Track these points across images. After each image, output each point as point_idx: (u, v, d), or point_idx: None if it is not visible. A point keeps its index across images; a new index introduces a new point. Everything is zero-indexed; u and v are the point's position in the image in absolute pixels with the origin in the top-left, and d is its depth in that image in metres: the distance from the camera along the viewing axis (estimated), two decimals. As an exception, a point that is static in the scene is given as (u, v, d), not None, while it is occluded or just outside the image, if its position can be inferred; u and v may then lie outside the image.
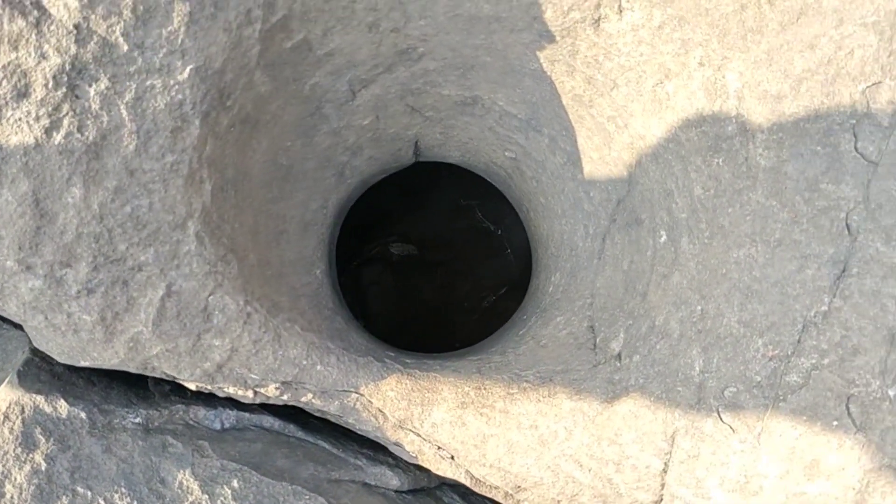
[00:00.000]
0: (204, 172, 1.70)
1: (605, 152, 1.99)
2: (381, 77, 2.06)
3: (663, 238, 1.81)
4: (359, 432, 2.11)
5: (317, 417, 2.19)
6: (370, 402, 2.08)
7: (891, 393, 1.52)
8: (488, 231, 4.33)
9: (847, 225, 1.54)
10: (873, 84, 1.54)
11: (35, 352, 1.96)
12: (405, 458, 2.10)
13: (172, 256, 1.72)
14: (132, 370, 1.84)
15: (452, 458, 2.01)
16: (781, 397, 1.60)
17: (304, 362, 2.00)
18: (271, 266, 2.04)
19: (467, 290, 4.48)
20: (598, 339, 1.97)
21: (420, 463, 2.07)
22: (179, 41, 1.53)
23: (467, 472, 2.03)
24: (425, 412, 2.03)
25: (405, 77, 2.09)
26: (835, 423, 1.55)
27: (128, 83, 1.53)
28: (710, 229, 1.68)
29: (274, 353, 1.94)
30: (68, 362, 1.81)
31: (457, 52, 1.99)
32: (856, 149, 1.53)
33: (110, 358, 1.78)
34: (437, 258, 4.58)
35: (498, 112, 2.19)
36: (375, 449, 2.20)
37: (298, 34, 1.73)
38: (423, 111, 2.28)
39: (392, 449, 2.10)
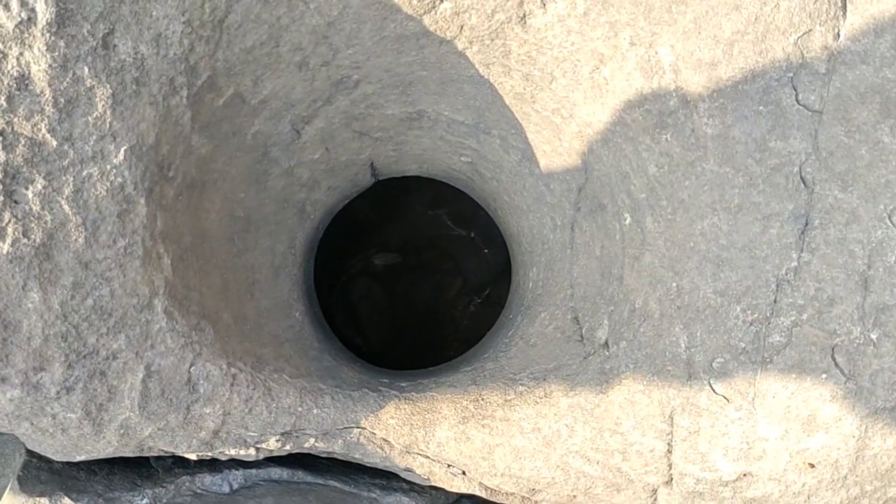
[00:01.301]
0: (160, 248, 1.68)
1: (556, 144, 1.98)
2: (321, 110, 2.04)
3: (628, 220, 1.81)
4: (368, 465, 2.12)
5: (324, 458, 2.19)
6: (373, 433, 2.07)
7: (873, 336, 1.53)
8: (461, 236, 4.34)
9: (802, 178, 1.54)
10: (804, 33, 1.53)
11: (31, 453, 1.95)
12: (418, 481, 2.10)
13: (145, 338, 1.70)
14: (129, 454, 1.83)
15: (464, 473, 2.02)
16: (768, 359, 1.61)
17: (300, 409, 2.00)
18: (248, 320, 2.03)
19: (459, 288, 4.49)
20: (584, 330, 1.98)
21: (433, 483, 2.08)
22: (108, 125, 1.50)
23: (480, 484, 2.03)
24: (429, 433, 2.03)
25: (346, 105, 2.07)
26: (823, 375, 1.56)
27: (64, 178, 1.50)
28: (671, 205, 1.68)
29: (267, 406, 1.93)
30: (64, 459, 1.80)
31: (392, 72, 1.97)
32: (797, 101, 1.53)
33: (104, 448, 1.76)
34: (422, 261, 4.58)
35: (445, 121, 2.18)
36: (388, 477, 2.21)
37: (228, 90, 1.70)
38: (372, 133, 2.26)
39: (403, 475, 2.10)
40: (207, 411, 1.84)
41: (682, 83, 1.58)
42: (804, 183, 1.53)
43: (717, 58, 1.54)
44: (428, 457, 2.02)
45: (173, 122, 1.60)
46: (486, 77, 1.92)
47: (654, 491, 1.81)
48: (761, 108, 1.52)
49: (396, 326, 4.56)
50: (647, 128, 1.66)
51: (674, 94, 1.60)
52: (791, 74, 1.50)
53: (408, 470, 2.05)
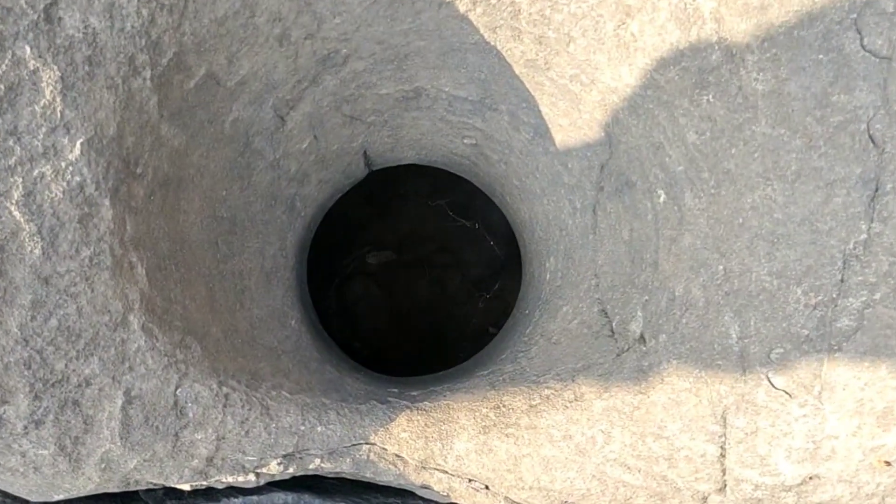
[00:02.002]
0: (132, 256, 1.45)
1: (574, 116, 1.77)
2: (307, 93, 1.81)
3: (662, 198, 1.60)
4: (380, 484, 1.91)
5: (332, 478, 1.98)
6: (384, 449, 1.87)
7: (959, 315, 1.34)
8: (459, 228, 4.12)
9: (870, 136, 1.33)
10: (861, -31, 1.32)
11: (6, 494, 1.73)
12: (436, 498, 1.89)
13: (122, 359, 1.48)
14: (114, 490, 1.62)
15: (487, 487, 1.81)
16: (836, 347, 1.41)
17: (302, 427, 1.79)
18: (240, 332, 1.81)
19: (458, 283, 4.27)
20: (614, 324, 1.77)
21: (453, 500, 1.87)
22: (59, 115, 1.28)
23: (506, 498, 1.83)
24: (446, 446, 1.82)
25: (334, 86, 1.84)
26: (904, 362, 1.36)
27: (12, 179, 1.28)
28: (714, 177, 1.47)
29: (266, 427, 1.72)
30: (41, 500, 1.59)
31: (385, 45, 1.75)
32: (863, 47, 1.32)
33: (84, 485, 1.55)
34: (418, 257, 4.36)
35: (446, 99, 1.96)
36: (403, 495, 2.00)
37: (199, 69, 1.48)
38: (364, 118, 2.04)
39: (420, 493, 1.89)
40: (199, 437, 1.63)
41: (726, 33, 1.37)
42: (873, 142, 1.33)
43: (766, 0, 1.33)
44: (446, 472, 1.81)
45: (137, 108, 1.37)
46: (492, 43, 1.70)
47: (705, 499, 1.61)
48: (821, 56, 1.31)
49: (397, 327, 4.35)
50: (684, 89, 1.45)
51: (716, 47, 1.39)
52: (854, 15, 1.30)
53: (424, 487, 1.85)
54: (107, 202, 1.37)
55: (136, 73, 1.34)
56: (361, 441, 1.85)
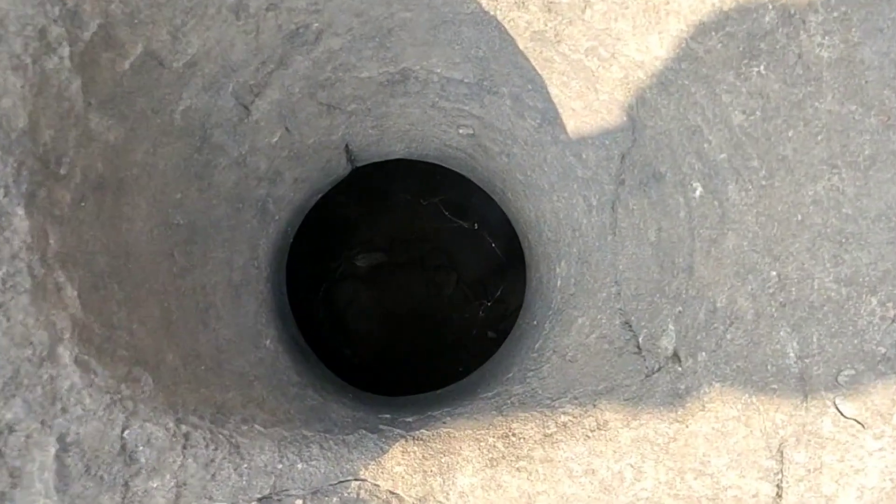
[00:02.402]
0: (58, 276, 1.19)
1: (590, 98, 1.51)
2: (275, 77, 1.55)
3: (698, 191, 1.35)
4: (373, 528, 1.65)
5: (317, 522, 1.73)
6: (376, 485, 1.62)
7: None
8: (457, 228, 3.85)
9: (961, 113, 1.08)
10: None
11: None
12: (439, 543, 1.64)
13: (52, 400, 1.22)
14: (50, 554, 1.35)
15: (498, 531, 1.56)
16: (920, 367, 1.16)
17: (280, 466, 1.53)
18: (203, 358, 1.54)
19: (455, 285, 4.01)
20: (640, 339, 1.52)
21: (459, 545, 1.62)
22: (-48, 102, 1.01)
23: (521, 543, 1.58)
24: (447, 481, 1.57)
25: (307, 68, 1.58)
26: None
27: None
28: (766, 166, 1.21)
29: (237, 468, 1.47)
30: (-38, 569, 1.32)
31: (364, 17, 1.48)
32: (949, 4, 1.07)
33: (12, 552, 1.28)
34: (412, 258, 4.10)
35: (438, 82, 1.70)
36: (400, 539, 1.74)
37: (135, 47, 1.21)
38: (344, 106, 1.77)
39: (420, 537, 1.64)
40: (154, 485, 1.37)
41: (781, -11, 1.11)
42: (967, 118, 1.08)
43: (833, -53, 1.07)
44: (450, 514, 1.56)
45: (55, 95, 1.10)
46: (491, 13, 1.44)
47: (756, 545, 1.37)
48: (903, 14, 1.06)
49: (391, 333, 4.08)
50: (729, 59, 1.19)
51: (770, 7, 1.13)
52: (946, -40, 1.05)
53: (424, 531, 1.60)
54: (20, 211, 1.10)
55: (49, 50, 1.07)
56: (350, 477, 1.60)
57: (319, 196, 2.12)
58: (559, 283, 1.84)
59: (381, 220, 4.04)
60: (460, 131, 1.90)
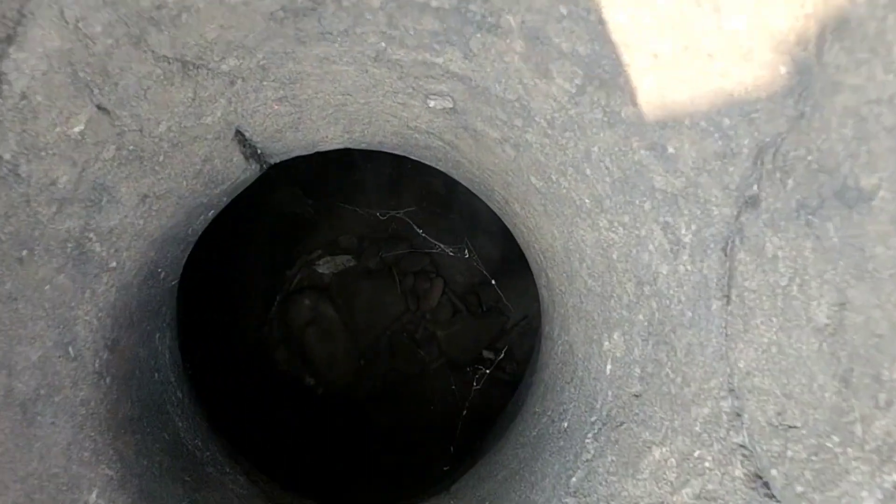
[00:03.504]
0: None
1: (695, 30, 0.69)
2: (39, 6, 0.72)
3: None
4: None
5: None
6: None
7: None
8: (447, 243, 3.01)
9: None
10: None
11: None
12: None
13: None
14: None
15: None
16: None
17: None
18: None
19: (440, 293, 3.19)
20: (777, 489, 0.73)
21: None
22: None
23: None
24: None
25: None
26: None
27: None
28: None
29: None
30: None
31: None
32: None
33: None
34: (385, 262, 3.28)
35: (381, 9, 0.88)
36: None
37: None
38: (211, 61, 0.96)
39: None
40: None
41: None
42: None
43: None
44: None
45: None
46: None
47: None
48: None
49: (362, 359, 3.26)
50: None
51: None
52: None
53: None
54: None
55: None
56: None
57: (205, 223, 1.30)
58: (608, 368, 1.05)
59: (347, 215, 3.18)
60: (430, 103, 1.09)
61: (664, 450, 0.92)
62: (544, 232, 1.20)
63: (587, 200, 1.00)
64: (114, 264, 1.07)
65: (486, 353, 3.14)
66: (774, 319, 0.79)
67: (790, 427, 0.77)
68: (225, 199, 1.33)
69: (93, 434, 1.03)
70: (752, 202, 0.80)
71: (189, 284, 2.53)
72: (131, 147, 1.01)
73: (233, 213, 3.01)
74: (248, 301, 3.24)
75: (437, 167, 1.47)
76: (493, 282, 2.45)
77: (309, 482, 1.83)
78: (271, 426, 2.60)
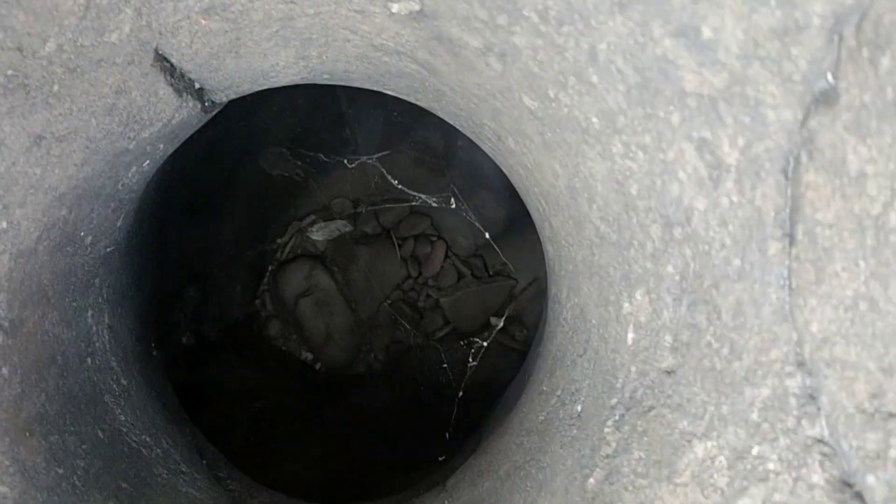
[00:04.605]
0: None
1: None
2: None
3: None
4: None
5: None
6: None
7: None
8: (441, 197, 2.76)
9: None
10: None
11: None
12: None
13: None
14: None
15: None
16: None
17: None
18: None
19: (443, 257, 2.96)
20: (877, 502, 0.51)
21: None
22: None
23: None
24: None
25: None
26: None
27: None
28: None
29: None
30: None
31: None
32: None
33: None
34: (383, 226, 3.04)
35: None
36: None
37: None
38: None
39: None
40: None
41: None
42: None
43: None
44: None
45: None
46: None
47: None
48: None
49: (362, 330, 3.05)
50: None
51: None
52: None
53: None
54: None
55: None
56: None
57: (146, 169, 1.09)
58: (631, 338, 0.83)
59: (335, 176, 2.94)
60: (393, 7, 0.85)
61: (709, 445, 0.70)
62: (544, 169, 0.97)
63: (595, 120, 0.77)
64: (4, 225, 0.85)
65: (493, 321, 2.93)
66: (862, 264, 0.57)
67: (891, 415, 0.55)
68: (161, 146, 1.11)
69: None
70: (826, 98, 0.56)
71: (166, 257, 2.33)
72: (9, 72, 0.79)
73: (214, 179, 2.80)
74: (236, 273, 3.05)
75: (419, 103, 1.23)
76: (487, 235, 2.22)
77: (293, 476, 1.64)
78: (257, 412, 2.41)
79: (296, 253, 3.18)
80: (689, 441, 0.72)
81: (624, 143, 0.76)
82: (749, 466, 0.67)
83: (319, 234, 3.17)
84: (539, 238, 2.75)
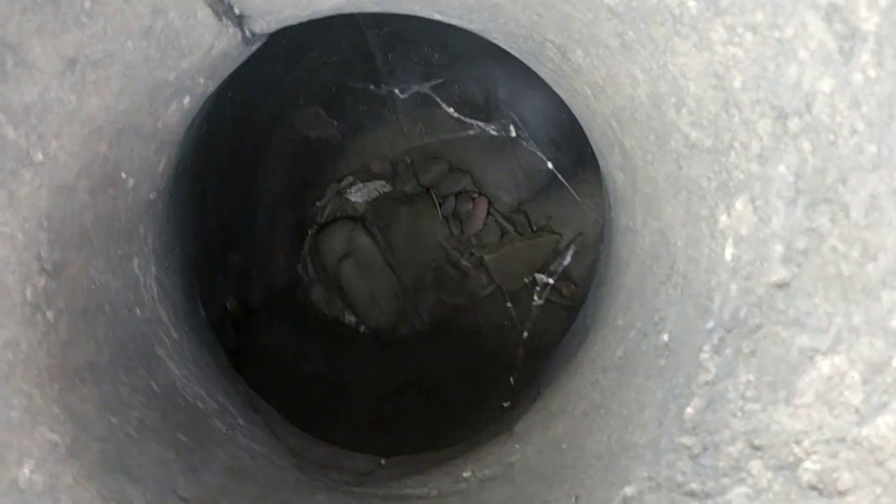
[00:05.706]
0: None
1: None
2: None
3: None
4: None
5: None
6: None
7: None
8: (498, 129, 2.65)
9: None
10: None
11: None
12: None
13: None
14: None
15: None
16: None
17: None
18: None
19: (485, 213, 2.87)
20: None
21: None
22: None
23: None
24: None
25: None
26: None
27: None
28: None
29: None
30: None
31: None
32: None
33: None
34: (423, 184, 2.97)
35: None
36: None
37: None
38: None
39: None
40: None
41: None
42: None
43: None
44: None
45: None
46: None
47: None
48: None
49: (405, 289, 3.01)
50: None
51: None
52: None
53: None
54: None
55: None
56: None
57: (186, 106, 1.02)
58: (730, 254, 0.74)
59: (372, 135, 2.86)
60: None
61: (837, 360, 0.61)
62: (620, 80, 0.87)
63: (692, 3, 0.67)
64: (40, 157, 0.80)
65: (539, 277, 2.85)
66: None
67: None
68: (202, 79, 1.04)
69: (24, 387, 0.78)
70: None
71: (207, 220, 2.29)
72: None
73: (250, 141, 2.75)
74: (278, 239, 3.01)
75: (471, 26, 1.14)
76: (550, 164, 2.11)
77: (349, 433, 1.60)
78: (306, 375, 2.38)
79: (335, 216, 3.13)
80: (812, 357, 0.63)
81: (728, 26, 0.66)
82: (890, 379, 0.58)
83: (358, 195, 3.11)
84: (584, 191, 2.63)
